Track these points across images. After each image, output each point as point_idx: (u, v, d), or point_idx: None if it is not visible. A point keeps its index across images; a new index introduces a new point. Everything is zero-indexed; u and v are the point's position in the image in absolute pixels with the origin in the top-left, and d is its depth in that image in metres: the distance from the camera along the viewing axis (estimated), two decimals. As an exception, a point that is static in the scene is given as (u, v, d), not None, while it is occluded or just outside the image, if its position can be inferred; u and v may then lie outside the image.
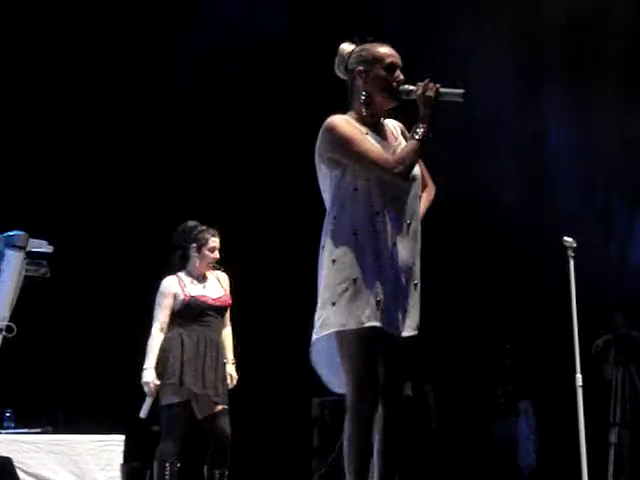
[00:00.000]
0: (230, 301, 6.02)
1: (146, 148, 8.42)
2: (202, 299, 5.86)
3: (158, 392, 5.72)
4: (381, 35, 4.00)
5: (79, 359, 7.86)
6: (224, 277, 6.07)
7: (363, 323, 3.73)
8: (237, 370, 6.03)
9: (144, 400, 5.72)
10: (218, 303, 5.94)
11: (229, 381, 5.96)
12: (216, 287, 6.00)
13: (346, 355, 3.78)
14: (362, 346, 3.75)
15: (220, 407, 5.83)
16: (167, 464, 5.63)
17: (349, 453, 3.79)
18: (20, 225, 5.35)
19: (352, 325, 3.73)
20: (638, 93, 8.10)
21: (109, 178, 8.28)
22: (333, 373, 3.86)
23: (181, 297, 5.82)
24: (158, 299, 5.86)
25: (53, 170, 8.05)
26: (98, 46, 8.25)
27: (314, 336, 3.82)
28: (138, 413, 5.73)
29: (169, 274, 5.94)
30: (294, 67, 8.32)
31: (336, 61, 4.02)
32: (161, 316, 5.82)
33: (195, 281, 5.95)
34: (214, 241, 6.00)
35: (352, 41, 4.02)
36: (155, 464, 5.66)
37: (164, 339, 5.80)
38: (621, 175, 8.19)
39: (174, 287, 5.87)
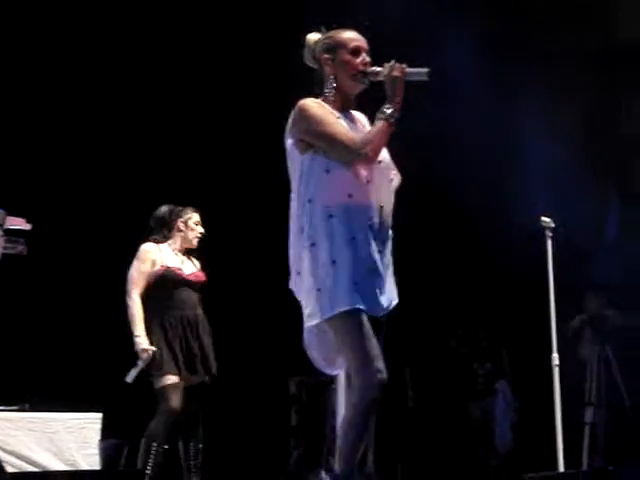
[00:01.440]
0: (204, 277, 6.05)
1: (123, 125, 8.39)
2: (177, 272, 5.89)
3: (148, 369, 5.74)
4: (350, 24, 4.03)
5: (56, 336, 7.84)
6: (197, 263, 6.14)
7: (348, 306, 3.75)
8: (215, 349, 6.06)
9: (128, 370, 5.72)
10: (192, 277, 5.98)
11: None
12: (191, 265, 6.05)
13: (344, 340, 3.79)
14: (357, 326, 3.76)
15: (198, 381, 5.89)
16: (155, 444, 5.66)
17: (348, 437, 3.77)
18: (-3, 203, 5.32)
19: (340, 308, 3.74)
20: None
21: (87, 155, 8.25)
22: (324, 356, 3.88)
23: (157, 266, 5.84)
24: (137, 264, 5.87)
25: (31, 147, 8.01)
26: (75, 28, 8.19)
27: (306, 324, 3.83)
28: (117, 388, 5.73)
29: (149, 241, 5.96)
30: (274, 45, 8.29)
31: (305, 51, 4.06)
32: (140, 281, 5.83)
33: (173, 255, 5.98)
34: (197, 216, 6.12)
35: (318, 30, 4.04)
36: (143, 441, 5.69)
37: (145, 322, 5.81)
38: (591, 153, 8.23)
39: (154, 253, 5.91)
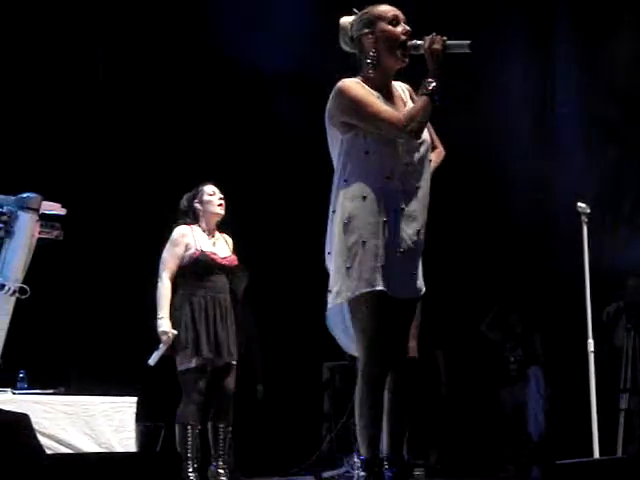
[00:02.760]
0: (236, 262, 6.07)
1: (159, 112, 8.41)
2: (212, 256, 5.91)
3: (173, 352, 5.78)
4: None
5: (92, 321, 7.89)
6: (230, 241, 6.15)
7: (374, 287, 3.75)
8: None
9: (155, 349, 5.76)
10: (226, 262, 6.00)
11: None
12: (224, 247, 6.06)
13: (357, 318, 3.81)
14: (373, 309, 3.78)
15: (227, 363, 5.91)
16: (189, 427, 5.71)
17: (360, 415, 3.83)
18: (33, 188, 5.36)
19: (363, 288, 3.75)
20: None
21: (123, 141, 8.28)
22: (349, 337, 3.89)
23: (192, 250, 5.86)
24: (170, 246, 5.90)
25: (67, 133, 8.05)
26: (109, 12, 8.22)
27: (330, 303, 3.84)
28: (152, 374, 5.78)
29: (182, 224, 5.98)
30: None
31: (340, 35, 4.03)
32: (172, 264, 5.86)
33: (206, 237, 6.00)
34: (210, 187, 6.09)
35: (350, 13, 4.02)
36: (177, 427, 5.75)
37: (172, 302, 5.84)
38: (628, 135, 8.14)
39: (187, 236, 5.93)
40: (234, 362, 5.94)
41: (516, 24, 8.28)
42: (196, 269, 5.87)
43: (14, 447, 3.17)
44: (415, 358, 3.89)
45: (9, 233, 5.28)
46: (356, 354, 3.90)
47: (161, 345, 5.75)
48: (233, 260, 6.06)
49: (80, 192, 7.55)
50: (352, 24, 3.99)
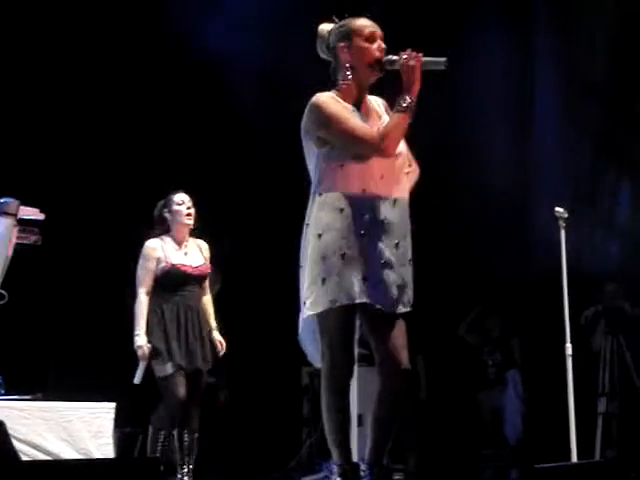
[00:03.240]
0: (209, 270, 6.09)
1: (136, 116, 8.39)
2: (182, 268, 5.94)
3: (150, 361, 5.81)
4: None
5: (70, 326, 7.87)
6: (205, 246, 6.16)
7: (354, 299, 3.75)
8: (225, 338, 6.10)
9: (137, 366, 5.79)
10: (197, 272, 6.03)
11: (219, 347, 6.05)
12: (197, 255, 6.09)
13: (323, 328, 3.82)
14: (340, 320, 3.78)
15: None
16: (162, 432, 5.73)
17: (328, 422, 3.85)
18: (11, 193, 5.34)
19: (343, 301, 3.75)
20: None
21: (101, 146, 8.26)
22: (315, 347, 3.89)
23: (162, 264, 5.89)
24: (142, 262, 5.94)
25: (45, 139, 8.02)
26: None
27: (304, 313, 3.83)
28: (130, 379, 5.80)
29: (153, 237, 6.00)
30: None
31: (317, 42, 4.04)
32: (147, 279, 5.91)
33: (177, 247, 6.01)
34: (179, 196, 6.11)
35: (331, 20, 4.02)
36: (150, 430, 5.76)
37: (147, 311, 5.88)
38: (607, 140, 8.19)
39: (158, 251, 5.96)
40: (204, 370, 5.98)
41: (495, 19, 8.30)
42: (168, 282, 5.94)
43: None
44: (409, 370, 3.87)
45: (-14, 238, 5.25)
46: (318, 365, 3.91)
47: (140, 361, 5.79)
48: (206, 269, 6.10)
49: (58, 197, 7.52)
50: (330, 33, 3.99)
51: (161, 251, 5.97)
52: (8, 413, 5.36)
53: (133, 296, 5.95)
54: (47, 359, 7.70)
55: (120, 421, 6.03)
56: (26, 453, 5.45)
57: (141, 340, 5.82)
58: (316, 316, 3.81)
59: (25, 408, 5.67)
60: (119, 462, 5.35)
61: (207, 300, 6.18)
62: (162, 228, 6.09)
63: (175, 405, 5.78)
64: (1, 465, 3.19)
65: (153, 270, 5.93)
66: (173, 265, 5.94)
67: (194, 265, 6.02)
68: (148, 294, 5.91)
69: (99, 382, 6.56)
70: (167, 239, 6.04)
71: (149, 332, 5.85)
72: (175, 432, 5.89)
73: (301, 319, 3.87)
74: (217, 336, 6.11)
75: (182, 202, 6.09)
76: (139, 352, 5.81)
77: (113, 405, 5.97)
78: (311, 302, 3.81)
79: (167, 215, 6.09)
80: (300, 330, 3.89)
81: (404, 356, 3.86)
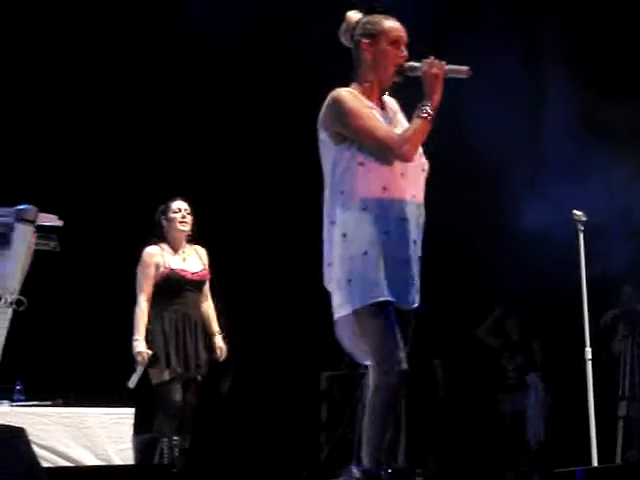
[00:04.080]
0: (209, 275, 6.11)
1: (146, 125, 8.41)
2: (181, 273, 5.98)
3: (147, 369, 5.83)
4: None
5: (89, 332, 7.87)
6: (203, 252, 6.21)
7: (377, 298, 3.75)
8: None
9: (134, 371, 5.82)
10: (197, 277, 6.06)
11: (219, 353, 6.08)
12: (196, 261, 6.13)
13: (367, 333, 3.79)
14: (380, 322, 3.76)
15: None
16: (165, 439, 5.75)
17: (373, 425, 3.79)
18: (30, 199, 5.35)
19: (367, 300, 3.75)
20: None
21: (120, 154, 8.28)
22: (357, 347, 3.88)
23: (161, 269, 5.92)
24: (141, 269, 5.98)
25: (66, 144, 8.06)
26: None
27: (336, 315, 3.84)
28: (143, 385, 5.83)
29: (151, 244, 6.02)
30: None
31: (342, 28, 4.02)
32: (146, 286, 5.97)
33: (175, 253, 6.05)
34: (176, 204, 6.18)
35: (360, 10, 4.01)
36: (150, 440, 5.78)
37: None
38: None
39: (156, 256, 6.01)
40: (199, 377, 6.00)
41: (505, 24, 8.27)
42: (167, 287, 5.98)
43: (10, 461, 3.16)
44: (407, 369, 3.85)
45: (5, 245, 5.27)
46: (364, 362, 3.89)
47: (138, 366, 5.82)
48: (205, 274, 6.12)
49: (77, 203, 7.53)
50: (357, 24, 3.97)
51: (160, 257, 6.02)
52: (28, 419, 5.39)
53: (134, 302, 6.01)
54: (67, 365, 7.71)
55: (139, 427, 6.04)
56: (47, 459, 5.47)
57: (141, 346, 5.87)
58: (354, 318, 3.79)
59: (45, 414, 5.70)
60: (139, 469, 5.37)
61: (208, 306, 6.21)
62: (160, 234, 6.12)
63: (172, 411, 5.81)
64: (22, 471, 3.20)
65: (152, 276, 5.98)
66: (172, 270, 5.99)
67: (192, 271, 6.07)
68: (148, 300, 5.96)
69: (119, 387, 6.57)
70: (164, 245, 6.09)
71: (151, 339, 5.88)
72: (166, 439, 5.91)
73: (335, 321, 3.88)
74: (219, 342, 6.15)
75: (179, 210, 6.15)
76: (138, 358, 5.88)
77: (132, 410, 5.99)
78: (339, 304, 3.83)
79: (164, 222, 6.13)
80: (337, 332, 3.89)
81: (404, 355, 3.83)
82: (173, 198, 6.23)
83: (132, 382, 5.88)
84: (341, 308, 3.81)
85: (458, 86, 3.97)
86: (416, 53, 3.91)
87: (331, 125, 3.86)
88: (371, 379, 3.80)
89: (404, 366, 3.76)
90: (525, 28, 8.39)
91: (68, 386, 7.16)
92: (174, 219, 6.12)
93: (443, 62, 3.83)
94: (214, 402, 7.54)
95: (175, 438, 5.84)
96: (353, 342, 3.87)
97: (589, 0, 8.16)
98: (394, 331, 3.77)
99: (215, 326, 6.17)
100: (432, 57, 3.83)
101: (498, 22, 7.99)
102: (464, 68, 3.83)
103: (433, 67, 3.81)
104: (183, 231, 6.13)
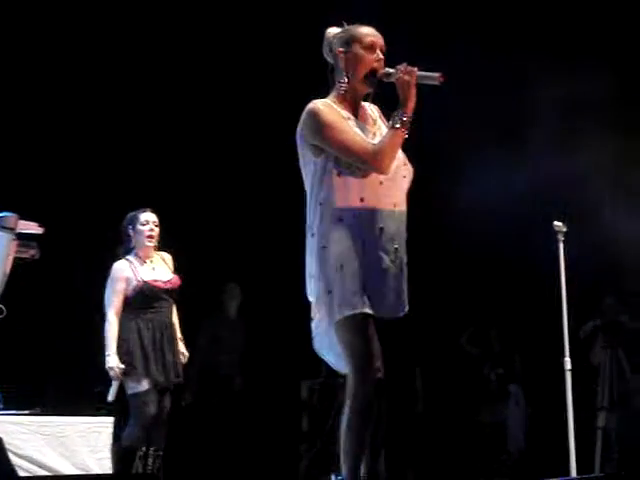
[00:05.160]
0: (179, 282, 6.10)
1: (129, 130, 8.40)
2: (154, 284, 5.97)
3: (123, 376, 5.81)
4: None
5: (68, 340, 7.84)
6: (169, 258, 6.21)
7: (355, 309, 3.74)
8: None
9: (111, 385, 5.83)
10: (169, 286, 6.07)
11: (181, 358, 6.09)
12: (164, 269, 6.11)
13: (344, 342, 3.79)
14: (357, 331, 3.76)
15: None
16: (138, 451, 5.73)
17: (350, 437, 3.79)
18: (10, 207, 5.33)
19: (346, 312, 3.74)
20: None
21: (99, 162, 8.26)
22: (338, 356, 3.88)
23: (134, 282, 5.94)
24: (111, 284, 5.98)
25: (46, 153, 8.03)
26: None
27: (314, 330, 3.84)
28: (119, 395, 5.81)
29: (118, 259, 6.00)
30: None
31: (323, 45, 4.03)
32: (115, 301, 5.95)
33: (144, 263, 6.04)
34: (144, 216, 6.14)
35: (339, 25, 4.03)
36: (120, 450, 5.75)
37: (120, 328, 5.89)
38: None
39: (126, 271, 5.99)
40: (172, 386, 6.01)
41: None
42: (141, 299, 5.98)
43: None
44: (381, 378, 3.86)
45: (-15, 252, 5.24)
46: (344, 371, 3.89)
47: (113, 381, 5.80)
48: (176, 282, 6.12)
49: (57, 211, 7.50)
50: (335, 35, 4.00)
51: (129, 271, 6.00)
52: (6, 428, 5.36)
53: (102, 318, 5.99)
54: (45, 374, 7.68)
55: (118, 436, 6.02)
56: (24, 468, 5.45)
57: (113, 361, 5.85)
58: (333, 330, 3.80)
59: (23, 423, 5.67)
60: (117, 477, 5.35)
61: (173, 311, 6.22)
62: (126, 245, 6.11)
63: (145, 422, 5.79)
64: (-2, 480, 3.17)
65: (122, 291, 5.97)
66: (145, 282, 5.98)
67: (164, 279, 6.06)
68: (117, 314, 5.94)
69: (97, 397, 6.55)
70: (132, 258, 6.08)
71: (128, 349, 5.85)
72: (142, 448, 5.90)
73: (313, 334, 3.87)
74: (181, 347, 6.15)
75: (146, 222, 6.13)
76: (111, 373, 5.84)
77: (111, 420, 5.97)
78: (319, 318, 3.82)
79: (131, 232, 6.11)
80: (315, 344, 3.89)
81: (381, 365, 3.83)
82: (142, 209, 6.19)
83: (111, 395, 5.88)
84: (320, 322, 3.81)
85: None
86: (392, 60, 3.91)
87: (308, 137, 3.85)
88: (347, 388, 3.80)
89: (380, 376, 3.77)
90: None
91: (46, 395, 7.14)
92: (142, 232, 6.11)
93: (414, 68, 3.82)
94: (190, 412, 7.52)
95: (153, 449, 5.81)
96: (334, 352, 3.87)
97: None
98: (371, 341, 3.77)
99: (178, 332, 6.19)
100: (404, 63, 3.83)
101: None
102: (436, 75, 3.82)
103: (405, 73, 3.82)
104: (148, 246, 6.13)
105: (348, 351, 3.78)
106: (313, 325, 3.86)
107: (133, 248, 6.11)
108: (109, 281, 6.01)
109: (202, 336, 8.28)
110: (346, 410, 3.79)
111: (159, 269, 6.12)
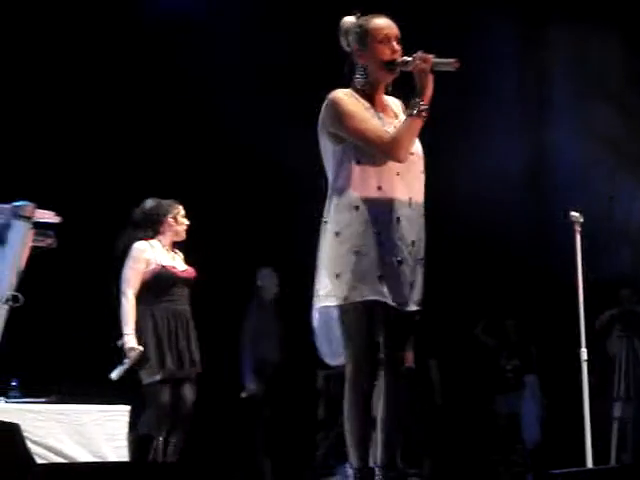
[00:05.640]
0: (195, 274, 6.13)
1: (146, 122, 8.41)
2: (172, 270, 5.99)
3: (137, 366, 5.82)
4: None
5: (85, 328, 7.87)
6: (180, 255, 6.21)
7: (365, 296, 3.76)
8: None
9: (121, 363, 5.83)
10: (185, 275, 6.08)
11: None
12: (181, 262, 6.12)
13: (346, 328, 3.81)
14: (362, 320, 3.78)
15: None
16: (155, 440, 5.75)
17: (349, 426, 3.83)
18: (27, 196, 5.35)
19: (355, 298, 3.76)
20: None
21: (114, 151, 8.28)
22: (328, 344, 3.89)
23: (152, 265, 5.91)
24: (130, 263, 5.98)
25: (63, 141, 8.05)
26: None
27: (316, 304, 3.85)
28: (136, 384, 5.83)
29: (140, 239, 5.99)
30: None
31: (340, 35, 4.05)
32: (134, 281, 5.96)
33: (165, 252, 6.06)
34: (181, 208, 6.19)
35: (354, 14, 4.03)
36: (136, 438, 5.77)
37: (137, 316, 5.91)
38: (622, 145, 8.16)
39: (147, 252, 6.00)
40: (193, 375, 6.00)
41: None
42: (158, 283, 5.97)
43: (3, 457, 3.16)
44: (412, 368, 3.90)
45: (3, 241, 5.27)
46: (334, 363, 3.92)
47: (126, 360, 5.82)
48: (192, 273, 6.14)
49: (74, 200, 7.53)
50: (350, 29, 3.99)
51: (150, 253, 6.02)
52: (23, 416, 5.38)
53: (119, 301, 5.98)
54: (62, 362, 7.71)
55: (134, 424, 6.04)
56: (42, 456, 5.46)
57: (132, 341, 5.85)
58: (337, 313, 3.80)
59: (40, 411, 5.69)
60: (133, 466, 5.37)
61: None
62: (154, 230, 6.10)
63: (160, 412, 5.81)
64: (16, 468, 3.20)
65: (141, 272, 5.97)
66: (163, 267, 5.99)
67: (181, 269, 6.09)
68: (136, 295, 5.94)
69: (115, 384, 6.58)
70: (154, 242, 6.08)
71: (141, 337, 5.86)
72: (161, 439, 5.91)
73: (314, 313, 3.88)
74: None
75: (185, 215, 6.17)
76: (131, 354, 5.83)
77: (127, 408, 5.98)
78: (324, 294, 3.83)
79: (171, 220, 6.10)
80: (314, 324, 3.90)
81: (407, 355, 3.86)
82: (174, 200, 6.20)
83: (116, 374, 5.83)
84: (327, 299, 3.81)
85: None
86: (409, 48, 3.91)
87: (328, 125, 3.89)
88: (346, 374, 3.83)
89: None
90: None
91: (63, 383, 7.17)
92: (182, 223, 6.15)
93: (430, 55, 3.83)
94: (209, 401, 7.53)
95: (160, 438, 5.83)
96: (328, 343, 3.88)
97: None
98: (372, 330, 3.79)
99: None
100: (420, 51, 3.84)
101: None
102: (451, 60, 3.83)
103: (421, 61, 3.82)
104: (183, 238, 6.17)
105: (348, 337, 3.80)
106: (317, 301, 3.87)
107: (158, 233, 6.11)
108: (129, 260, 6.00)
109: (248, 322, 8.25)
110: (345, 399, 3.83)
111: (177, 260, 6.16)
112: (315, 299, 3.87)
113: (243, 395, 8.01)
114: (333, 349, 3.90)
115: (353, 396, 3.82)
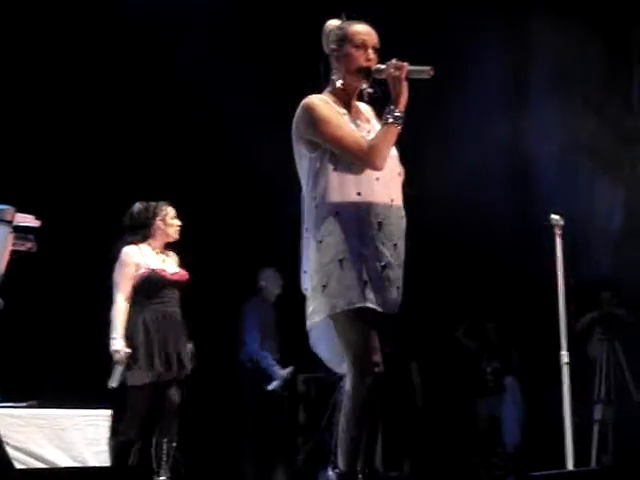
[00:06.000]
0: (187, 276, 6.11)
1: (128, 124, 8.39)
2: (162, 273, 5.97)
3: (126, 368, 5.81)
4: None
5: (66, 333, 7.85)
6: (176, 257, 6.20)
7: (353, 304, 3.75)
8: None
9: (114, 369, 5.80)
10: (176, 277, 6.06)
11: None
12: (173, 264, 6.11)
13: (343, 337, 3.80)
14: (356, 326, 3.77)
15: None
16: (134, 444, 5.73)
17: (346, 431, 3.81)
18: (7, 199, 5.33)
19: (343, 306, 3.75)
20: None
21: (95, 154, 8.25)
22: (333, 354, 3.89)
23: (142, 269, 5.90)
24: (120, 268, 5.96)
25: (43, 146, 8.02)
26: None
27: (308, 323, 3.85)
28: (118, 388, 5.80)
29: (129, 243, 5.99)
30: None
31: (323, 38, 4.05)
32: (124, 285, 5.94)
33: (155, 254, 6.05)
34: (172, 209, 6.17)
35: (339, 17, 4.03)
36: (116, 442, 5.75)
37: (127, 320, 5.89)
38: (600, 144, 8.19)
39: (136, 256, 5.98)
40: (181, 377, 6.00)
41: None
42: (148, 286, 5.96)
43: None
44: (382, 372, 3.87)
45: (-18, 246, 5.24)
46: (342, 371, 3.90)
47: (117, 365, 5.79)
48: (183, 275, 6.13)
49: (54, 204, 7.50)
50: (331, 31, 4.00)
51: (139, 256, 6.00)
52: (4, 421, 5.36)
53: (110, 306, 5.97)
54: (43, 367, 7.68)
55: (116, 429, 6.02)
56: (22, 461, 5.45)
57: (118, 344, 5.83)
58: (333, 325, 3.80)
59: (20, 415, 5.67)
60: (114, 470, 5.35)
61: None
62: (143, 234, 6.09)
63: (141, 414, 5.80)
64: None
65: (131, 276, 5.96)
66: (153, 270, 5.98)
67: (171, 272, 6.07)
68: (127, 300, 5.93)
69: (95, 390, 6.56)
70: (143, 246, 6.07)
71: (132, 341, 5.85)
72: (153, 440, 5.89)
73: (308, 328, 3.88)
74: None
75: (175, 216, 6.15)
76: (117, 356, 5.81)
77: (109, 412, 5.97)
78: (312, 311, 3.83)
79: (159, 223, 6.09)
80: (311, 339, 3.90)
81: (379, 358, 3.84)
82: (165, 202, 6.19)
83: (115, 381, 5.82)
84: (315, 315, 3.81)
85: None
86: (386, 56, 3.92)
87: (303, 132, 3.87)
88: (347, 382, 3.81)
89: (379, 369, 3.78)
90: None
91: (43, 388, 7.14)
92: (172, 225, 6.13)
93: (404, 63, 3.83)
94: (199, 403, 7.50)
95: (166, 440, 5.82)
96: (329, 348, 3.88)
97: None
98: (370, 335, 3.78)
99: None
100: (394, 59, 3.84)
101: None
102: (426, 68, 3.83)
103: (395, 69, 3.82)
104: (175, 238, 6.16)
105: (346, 345, 3.80)
106: (307, 320, 3.87)
107: (148, 237, 6.09)
108: (118, 265, 5.99)
109: (250, 321, 8.22)
110: (345, 403, 3.81)
111: (168, 262, 6.13)
112: (308, 318, 3.86)
113: (270, 388, 7.98)
114: (336, 356, 3.88)
115: (354, 402, 3.79)
